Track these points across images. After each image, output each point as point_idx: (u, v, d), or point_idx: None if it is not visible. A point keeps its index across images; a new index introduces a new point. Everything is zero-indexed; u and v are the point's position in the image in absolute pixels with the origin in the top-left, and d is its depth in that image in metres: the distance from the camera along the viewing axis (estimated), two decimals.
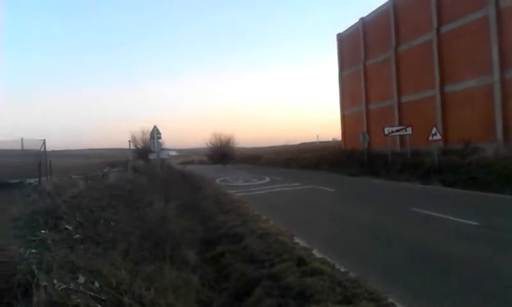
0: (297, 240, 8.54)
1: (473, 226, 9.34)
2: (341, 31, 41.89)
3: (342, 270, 6.34)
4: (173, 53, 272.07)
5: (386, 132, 25.59)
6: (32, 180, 17.76)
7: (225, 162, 56.70)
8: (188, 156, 77.57)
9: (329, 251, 7.73)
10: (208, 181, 22.78)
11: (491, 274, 6.10)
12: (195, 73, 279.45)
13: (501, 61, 21.52)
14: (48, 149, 20.30)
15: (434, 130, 21.79)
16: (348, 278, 5.76)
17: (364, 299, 4.94)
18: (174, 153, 67.84)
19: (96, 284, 4.44)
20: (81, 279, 4.38)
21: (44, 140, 19.82)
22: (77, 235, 6.37)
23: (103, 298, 4.13)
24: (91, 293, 4.11)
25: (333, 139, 52.90)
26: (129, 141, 41.24)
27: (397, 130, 26.10)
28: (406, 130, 25.21)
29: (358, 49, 37.17)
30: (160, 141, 24.35)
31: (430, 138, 21.69)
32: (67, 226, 6.74)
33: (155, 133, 23.72)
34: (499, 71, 21.57)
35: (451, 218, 10.20)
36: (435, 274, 6.29)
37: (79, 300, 3.89)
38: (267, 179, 25.12)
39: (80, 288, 4.18)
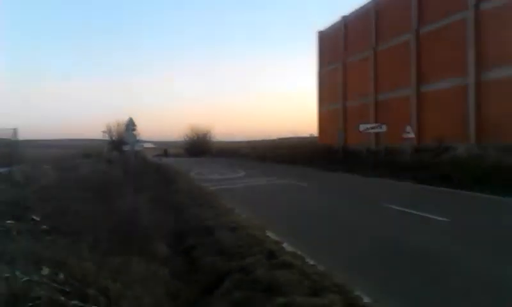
0: (268, 233, 8.55)
1: (443, 221, 9.56)
2: (322, 28, 42.08)
3: (311, 263, 6.39)
4: (153, 45, 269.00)
5: (362, 129, 25.88)
6: (2, 170, 17.33)
7: (202, 155, 56.50)
8: (165, 148, 76.87)
9: (300, 244, 7.77)
10: (183, 174, 22.60)
11: (455, 267, 6.27)
12: (176, 66, 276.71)
13: (477, 63, 21.99)
14: (23, 138, 19.86)
15: (407, 128, 22.15)
16: (316, 271, 5.81)
17: (331, 292, 4.98)
18: (150, 145, 67.29)
19: (61, 276, 4.36)
20: (45, 271, 4.29)
21: (15, 129, 19.36)
22: (44, 226, 6.24)
23: (67, 290, 4.05)
24: (55, 285, 4.03)
25: (310, 135, 53.17)
26: (103, 132, 40.67)
27: (372, 128, 26.38)
28: (380, 128, 25.50)
29: (338, 47, 37.42)
30: (135, 132, 24.03)
31: (404, 136, 22.03)
32: (34, 217, 6.60)
33: (130, 124, 23.38)
34: (474, 73, 22.02)
35: (421, 214, 10.42)
36: (402, 267, 6.46)
37: (42, 292, 3.81)
38: (243, 173, 25.10)
39: (44, 279, 4.10)
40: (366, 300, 4.98)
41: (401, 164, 20.87)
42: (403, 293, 5.46)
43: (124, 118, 31.98)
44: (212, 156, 55.70)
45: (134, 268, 5.71)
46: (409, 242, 8.00)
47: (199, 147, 64.53)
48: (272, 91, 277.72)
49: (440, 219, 9.78)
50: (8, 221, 6.28)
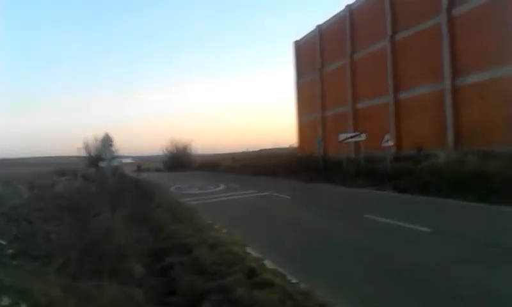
0: (249, 249, 8.29)
1: (424, 232, 9.38)
2: (298, 38, 42.23)
3: (293, 281, 6.14)
4: (131, 59, 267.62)
5: (341, 139, 25.83)
6: None
7: (182, 169, 56.03)
8: (144, 163, 76.08)
9: (282, 260, 7.53)
10: (162, 189, 22.20)
11: (439, 280, 6.06)
12: (154, 80, 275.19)
13: (452, 68, 22.21)
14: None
15: (386, 136, 22.17)
16: (299, 290, 5.56)
17: None
18: (129, 161, 66.48)
19: (24, 306, 4.03)
20: (5, 301, 3.96)
21: None
22: (11, 250, 5.86)
23: None
24: None
25: (290, 145, 53.07)
26: (78, 148, 39.93)
27: (351, 137, 26.33)
28: (360, 136, 25.46)
29: (315, 56, 37.58)
30: (112, 148, 23.66)
31: (383, 144, 22.04)
32: (0, 241, 6.21)
33: (107, 140, 22.98)
34: (450, 78, 22.24)
35: (403, 224, 10.23)
36: (384, 282, 6.22)
37: None
38: (223, 186, 24.77)
39: None
40: None
41: (381, 172, 20.80)
42: None
43: (102, 134, 31.44)
44: (192, 169, 55.24)
45: (105, 292, 5.37)
46: (392, 255, 7.78)
47: (179, 161, 64.04)
48: (252, 102, 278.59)
49: (423, 229, 9.60)
50: None
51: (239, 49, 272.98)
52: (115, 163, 25.03)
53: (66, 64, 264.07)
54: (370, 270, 6.94)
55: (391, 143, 22.41)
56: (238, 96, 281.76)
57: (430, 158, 20.78)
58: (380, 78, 28.23)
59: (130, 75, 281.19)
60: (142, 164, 67.15)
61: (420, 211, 13.03)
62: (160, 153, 71.68)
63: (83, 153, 45.72)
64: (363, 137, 25.20)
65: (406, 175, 18.87)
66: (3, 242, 6.16)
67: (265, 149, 71.53)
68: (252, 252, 8.14)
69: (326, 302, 5.04)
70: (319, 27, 37.42)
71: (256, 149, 78.15)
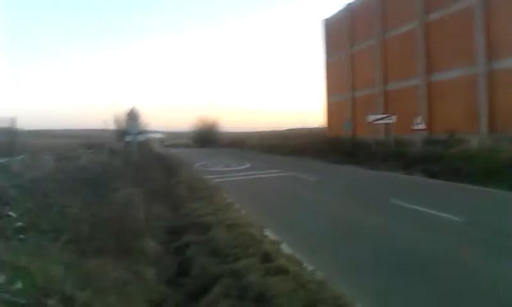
0: (267, 232, 8.01)
1: (455, 221, 8.85)
2: (327, 16, 41.09)
3: (310, 268, 5.83)
4: (163, 35, 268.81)
5: (370, 120, 25.14)
6: (2, 160, 16.89)
7: (209, 146, 56.42)
8: (173, 139, 77.23)
9: (299, 245, 7.24)
10: (186, 165, 22.13)
11: (469, 281, 5.59)
12: (188, 56, 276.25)
13: (487, 51, 21.07)
14: (27, 128, 19.44)
15: (418, 119, 21.42)
16: (314, 279, 5.24)
17: (328, 305, 4.41)
18: (159, 136, 67.54)
19: (19, 284, 3.84)
20: (1, 279, 3.78)
21: (14, 118, 18.90)
22: (19, 223, 5.72)
23: (21, 302, 3.52)
24: (6, 295, 3.50)
25: (319, 126, 52.23)
26: (104, 121, 40.28)
27: (381, 119, 25.58)
28: (390, 119, 24.72)
29: (344, 35, 36.45)
30: (137, 122, 23.66)
31: (414, 127, 21.31)
32: (10, 213, 6.08)
33: (133, 114, 22.99)
34: (485, 61, 21.15)
35: (430, 211, 9.73)
36: (407, 277, 5.79)
37: None
38: (248, 165, 24.59)
39: None
40: None
41: (411, 156, 20.14)
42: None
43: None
44: (220, 147, 55.40)
45: (112, 272, 5.17)
46: (417, 246, 7.30)
47: (207, 138, 64.62)
48: (283, 82, 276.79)
49: (455, 218, 9.03)
50: None
51: (270, 29, 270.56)
52: (141, 138, 25.09)
53: (101, 37, 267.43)
54: (389, 262, 6.52)
55: (422, 126, 21.61)
56: (268, 74, 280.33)
57: (462, 144, 19.99)
58: (411, 60, 27.13)
59: (168, 53, 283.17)
60: (168, 139, 67.86)
61: (449, 198, 12.43)
62: (189, 129, 72.63)
63: (112, 127, 46.15)
64: (393, 119, 24.44)
65: (437, 160, 18.19)
66: (13, 214, 6.03)
67: (293, 130, 70.98)
68: (270, 234, 7.86)
69: (341, 293, 4.70)
70: (348, 5, 36.21)
71: (284, 129, 77.65)
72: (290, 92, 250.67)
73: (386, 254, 6.93)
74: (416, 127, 21.36)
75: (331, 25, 40.21)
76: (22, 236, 5.28)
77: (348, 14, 36.08)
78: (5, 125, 18.37)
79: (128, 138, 25.09)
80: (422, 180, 16.14)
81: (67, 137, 54.62)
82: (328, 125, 40.32)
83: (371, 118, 25.33)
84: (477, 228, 8.45)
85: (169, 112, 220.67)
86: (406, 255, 6.82)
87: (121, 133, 39.51)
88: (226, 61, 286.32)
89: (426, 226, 8.80)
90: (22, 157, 17.83)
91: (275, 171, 20.49)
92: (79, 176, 11.62)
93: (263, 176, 18.88)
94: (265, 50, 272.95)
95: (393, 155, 21.36)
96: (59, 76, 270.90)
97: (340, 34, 37.55)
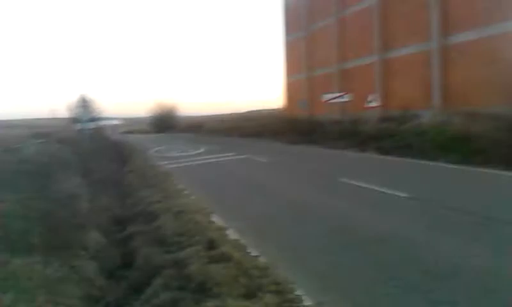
0: (215, 217, 7.86)
1: (402, 198, 8.96)
2: None
3: (253, 253, 5.71)
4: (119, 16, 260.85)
5: (325, 99, 25.25)
6: None
7: (168, 130, 55.73)
8: (133, 125, 75.86)
9: (246, 229, 7.15)
10: (140, 152, 21.62)
11: (411, 256, 5.61)
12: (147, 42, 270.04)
13: (441, 27, 21.38)
14: None
15: (370, 97, 21.65)
16: (257, 265, 5.14)
17: (269, 292, 4.31)
18: (116, 123, 66.00)
19: None
20: None
21: None
22: None
23: None
24: None
25: (278, 107, 52.25)
26: (51, 110, 38.90)
27: (336, 97, 25.70)
28: (345, 97, 24.87)
29: (304, 14, 36.27)
30: (88, 109, 22.87)
31: (367, 105, 21.55)
32: None
33: (83, 101, 22.20)
34: (439, 37, 21.48)
35: (379, 189, 9.83)
36: (350, 258, 5.73)
37: None
38: (203, 149, 24.26)
39: None
40: (309, 303, 4.34)
41: (366, 134, 20.38)
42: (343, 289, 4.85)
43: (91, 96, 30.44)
44: (178, 131, 54.71)
45: (48, 269, 4.88)
46: (361, 224, 7.29)
47: (165, 123, 63.74)
48: (243, 62, 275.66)
49: (402, 195, 9.13)
50: None
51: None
52: (92, 125, 24.28)
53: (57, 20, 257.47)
54: (334, 240, 6.53)
55: (375, 104, 21.88)
56: (227, 54, 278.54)
57: (415, 120, 20.37)
58: (368, 38, 27.29)
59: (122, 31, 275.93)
60: (125, 126, 66.47)
61: (399, 174, 12.65)
62: (148, 115, 71.46)
63: (64, 116, 44.63)
64: (346, 97, 24.59)
65: (390, 137, 18.46)
66: None
67: (253, 112, 70.96)
68: (217, 220, 7.71)
69: (282, 279, 4.60)
70: None
71: (244, 111, 77.51)
72: (250, 75, 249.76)
73: (325, 232, 6.96)
74: (369, 105, 21.60)
75: (291, 2, 39.87)
76: None
77: None
78: None
79: (78, 126, 24.22)
80: (375, 157, 16.38)
81: (17, 127, 52.38)
82: (287, 106, 40.29)
83: (326, 97, 25.44)
84: (419, 203, 8.60)
85: (128, 99, 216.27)
86: (346, 231, 6.91)
87: (72, 121, 38.33)
88: (186, 45, 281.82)
89: (371, 202, 8.88)
90: None
91: (229, 154, 20.32)
92: (20, 168, 11.04)
93: (217, 160, 18.68)
94: (227, 34, 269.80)
95: (347, 134, 21.57)
96: (13, 64, 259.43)
97: (299, 13, 37.32)
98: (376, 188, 9.97)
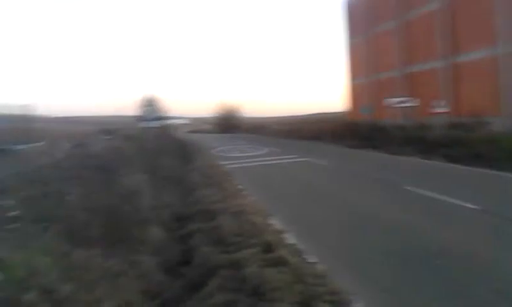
0: (273, 220, 7.78)
1: (470, 209, 8.41)
2: None
3: (311, 260, 5.56)
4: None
5: (390, 104, 24.56)
6: (21, 146, 17.00)
7: (229, 131, 56.71)
8: (198, 125, 78.49)
9: (304, 234, 6.98)
10: (203, 151, 22.02)
11: (480, 274, 5.21)
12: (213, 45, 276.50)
13: (509, 31, 20.18)
14: (55, 115, 19.56)
15: (437, 102, 20.76)
16: (313, 272, 4.99)
17: (323, 302, 4.15)
18: (181, 122, 68.25)
19: (1, 276, 3.69)
20: None
21: (32, 104, 19.11)
22: (14, 212, 5.60)
23: None
24: None
25: (341, 111, 51.45)
26: (117, 108, 40.47)
27: (401, 102, 24.89)
28: (411, 102, 24.04)
29: (368, 16, 35.51)
30: (153, 108, 23.62)
31: (434, 110, 20.67)
32: (7, 201, 5.97)
33: (149, 100, 22.96)
34: (504, 43, 20.30)
35: (447, 199, 9.27)
36: (413, 271, 5.40)
37: None
38: (265, 150, 24.31)
39: None
40: None
41: (431, 140, 19.48)
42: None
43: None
44: (240, 132, 55.43)
45: (107, 262, 5.01)
46: (426, 236, 6.86)
47: (228, 123, 65.01)
48: (304, 66, 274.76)
49: (471, 206, 8.53)
50: None
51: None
52: (157, 124, 25.05)
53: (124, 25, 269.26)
54: (395, 253, 6.12)
55: (443, 109, 20.90)
56: (289, 59, 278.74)
57: (485, 127, 19.26)
58: (434, 41, 26.26)
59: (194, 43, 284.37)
60: (191, 125, 68.23)
61: (468, 184, 11.86)
62: (212, 115, 73.41)
63: (130, 114, 46.71)
64: (413, 102, 23.73)
65: (458, 144, 17.52)
66: (10, 203, 5.92)
67: (314, 115, 70.44)
68: (275, 222, 7.63)
69: (340, 289, 4.42)
70: None
71: (307, 114, 77.17)
72: (313, 78, 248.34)
73: (386, 243, 6.59)
74: (436, 110, 20.69)
75: (354, 5, 39.13)
76: (15, 225, 5.16)
77: None
78: (22, 112, 18.55)
79: (144, 124, 25.07)
80: (441, 165, 15.57)
81: (86, 123, 55.19)
82: (350, 109, 39.57)
83: (389, 101, 24.70)
84: (492, 217, 7.95)
85: (193, 98, 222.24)
86: (410, 243, 6.52)
87: (138, 119, 39.86)
88: (253, 46, 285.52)
89: (437, 213, 8.37)
90: (42, 143, 18.00)
91: (290, 156, 20.16)
92: (88, 162, 11.55)
93: (278, 161, 18.61)
94: (288, 37, 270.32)
95: (413, 140, 20.72)
96: (84, 64, 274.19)
97: (364, 15, 36.56)
98: (444, 198, 9.42)
